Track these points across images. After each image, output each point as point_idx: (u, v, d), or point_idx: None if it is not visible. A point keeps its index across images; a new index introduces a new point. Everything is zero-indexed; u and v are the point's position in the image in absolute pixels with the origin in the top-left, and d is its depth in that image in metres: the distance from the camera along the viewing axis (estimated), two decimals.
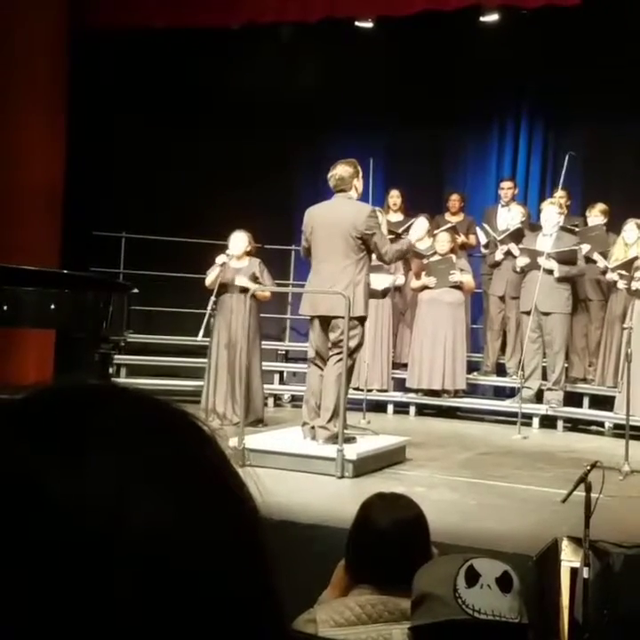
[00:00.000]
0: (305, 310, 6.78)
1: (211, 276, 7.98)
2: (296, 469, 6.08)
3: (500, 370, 9.75)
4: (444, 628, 1.67)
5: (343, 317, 6.30)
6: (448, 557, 1.87)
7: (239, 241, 8.07)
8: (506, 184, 9.99)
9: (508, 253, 9.39)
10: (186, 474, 0.57)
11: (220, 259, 7.99)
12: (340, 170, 6.60)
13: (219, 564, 0.56)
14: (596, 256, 8.96)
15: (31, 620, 0.51)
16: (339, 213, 6.49)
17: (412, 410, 9.40)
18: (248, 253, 8.12)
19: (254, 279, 7.94)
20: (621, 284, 8.57)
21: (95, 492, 0.54)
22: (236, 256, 8.03)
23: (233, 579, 0.57)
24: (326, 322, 6.57)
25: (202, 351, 8.37)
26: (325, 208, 6.67)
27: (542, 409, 8.82)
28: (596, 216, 9.29)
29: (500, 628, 1.66)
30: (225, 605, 0.56)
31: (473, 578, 1.69)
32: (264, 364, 8.46)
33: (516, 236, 9.30)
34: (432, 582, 1.73)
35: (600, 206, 9.30)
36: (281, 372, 10.17)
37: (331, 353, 6.55)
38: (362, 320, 6.59)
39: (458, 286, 9.26)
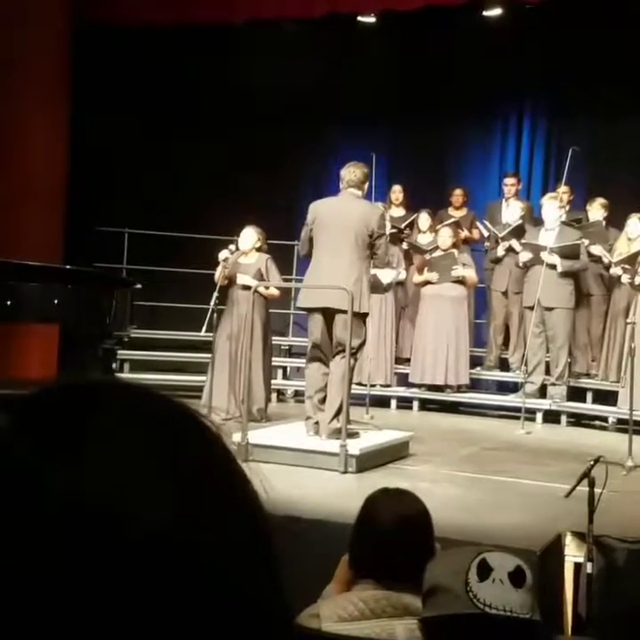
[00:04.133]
0: (305, 303, 6.74)
1: (216, 273, 7.99)
2: (299, 464, 6.08)
3: (503, 365, 9.74)
4: (455, 621, 1.67)
5: (347, 311, 6.29)
6: (461, 549, 1.86)
7: (248, 237, 8.07)
8: (509, 180, 9.95)
9: (510, 249, 9.38)
10: (188, 472, 0.57)
11: (222, 254, 7.99)
12: (358, 169, 6.68)
13: (222, 564, 0.55)
14: (599, 250, 8.93)
15: (30, 619, 0.51)
16: (349, 209, 6.50)
17: (416, 405, 9.40)
18: (258, 249, 8.10)
19: (260, 276, 7.93)
20: (625, 279, 8.56)
21: (94, 492, 0.53)
22: (244, 252, 8.03)
23: (237, 577, 0.56)
24: (330, 316, 6.56)
25: (205, 346, 8.37)
26: (334, 203, 6.67)
27: (546, 404, 8.81)
28: (596, 210, 9.28)
29: (511, 624, 1.65)
30: (229, 604, 0.55)
31: (485, 572, 1.67)
32: None
33: (518, 231, 9.28)
34: (444, 574, 1.72)
35: (600, 200, 9.28)
36: (284, 368, 10.18)
37: (336, 350, 6.53)
38: (364, 317, 6.59)
39: (460, 281, 9.25)
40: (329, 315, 6.55)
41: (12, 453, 0.55)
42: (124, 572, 0.52)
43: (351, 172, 6.64)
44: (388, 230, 7.86)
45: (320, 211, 6.64)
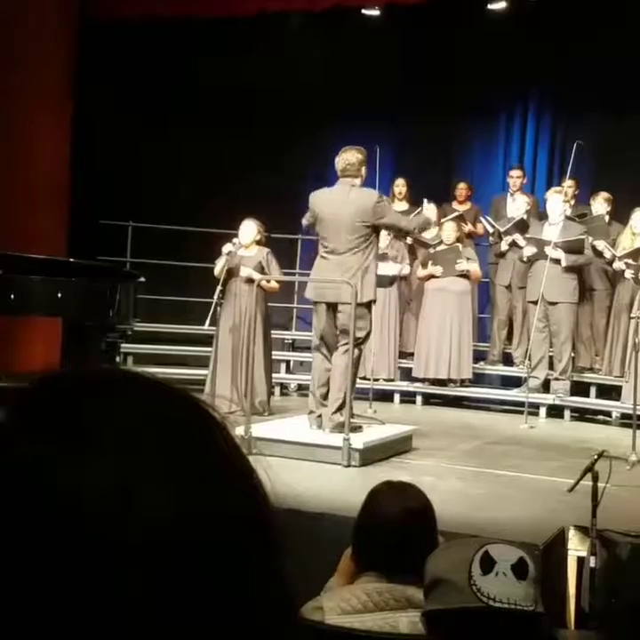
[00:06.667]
0: (311, 294, 6.75)
1: (218, 266, 7.98)
2: (303, 458, 6.08)
3: (507, 359, 9.74)
4: (459, 614, 1.66)
5: (350, 303, 6.28)
6: (463, 542, 1.85)
7: (248, 230, 8.07)
8: (515, 173, 9.93)
9: (514, 243, 9.37)
10: (190, 468, 0.56)
11: (226, 248, 7.99)
12: (351, 155, 6.56)
13: (223, 561, 0.55)
14: (602, 245, 8.91)
15: (29, 616, 0.51)
16: (344, 202, 6.46)
17: (419, 399, 9.40)
18: (258, 242, 8.11)
19: (261, 269, 7.93)
20: (628, 274, 8.55)
21: (95, 487, 0.53)
22: (245, 245, 8.03)
23: (238, 574, 0.56)
24: (334, 308, 6.56)
25: (208, 340, 8.37)
26: (331, 195, 6.62)
27: (549, 398, 8.81)
28: (599, 204, 9.26)
29: (515, 616, 1.65)
30: (230, 602, 0.55)
31: (488, 564, 1.66)
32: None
33: (521, 226, 9.27)
34: (447, 567, 1.71)
35: (603, 194, 9.27)
36: (288, 361, 10.17)
37: (340, 341, 6.52)
38: (370, 306, 6.57)
39: (464, 275, 9.24)
40: (333, 307, 6.55)
41: (11, 449, 0.54)
42: (123, 570, 0.52)
43: (345, 160, 6.54)
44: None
45: (318, 204, 6.61)
